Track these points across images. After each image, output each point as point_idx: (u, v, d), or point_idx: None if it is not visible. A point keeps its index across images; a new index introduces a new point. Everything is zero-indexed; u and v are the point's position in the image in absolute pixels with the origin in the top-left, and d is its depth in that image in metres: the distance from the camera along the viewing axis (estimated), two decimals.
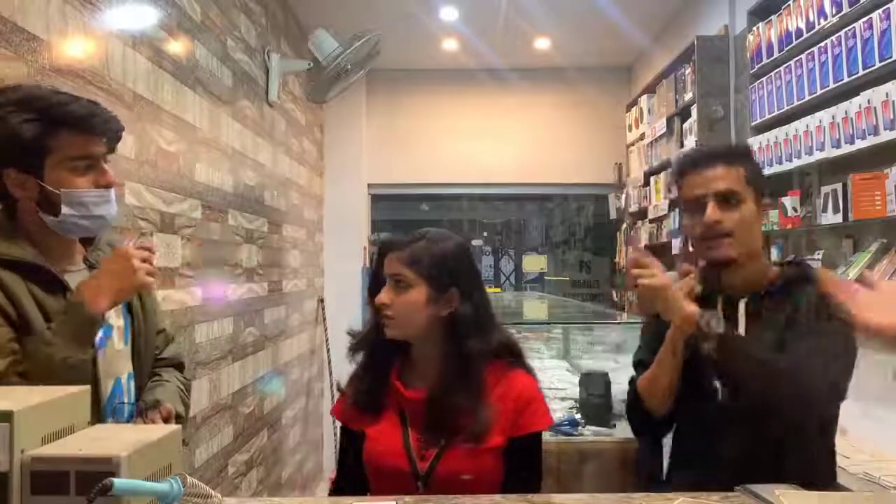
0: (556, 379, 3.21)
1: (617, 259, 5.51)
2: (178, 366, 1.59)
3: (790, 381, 1.38)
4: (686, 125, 3.85)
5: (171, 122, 2.41)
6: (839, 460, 1.60)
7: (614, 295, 5.61)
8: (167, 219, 2.37)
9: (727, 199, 1.50)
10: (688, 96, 3.81)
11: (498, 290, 10.72)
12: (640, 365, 1.64)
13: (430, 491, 1.38)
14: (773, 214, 2.84)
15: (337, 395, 1.61)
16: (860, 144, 2.34)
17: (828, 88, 2.55)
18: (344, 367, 1.61)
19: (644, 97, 4.71)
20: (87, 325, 1.26)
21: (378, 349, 1.52)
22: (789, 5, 2.83)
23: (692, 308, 1.44)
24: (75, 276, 1.35)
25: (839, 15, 2.47)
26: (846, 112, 2.41)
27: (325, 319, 4.99)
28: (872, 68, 2.29)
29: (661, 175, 4.33)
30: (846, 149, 2.42)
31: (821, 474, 1.50)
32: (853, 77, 2.40)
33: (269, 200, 3.67)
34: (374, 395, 1.50)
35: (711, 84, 3.55)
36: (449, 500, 1.25)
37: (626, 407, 1.66)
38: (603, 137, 5.38)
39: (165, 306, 2.24)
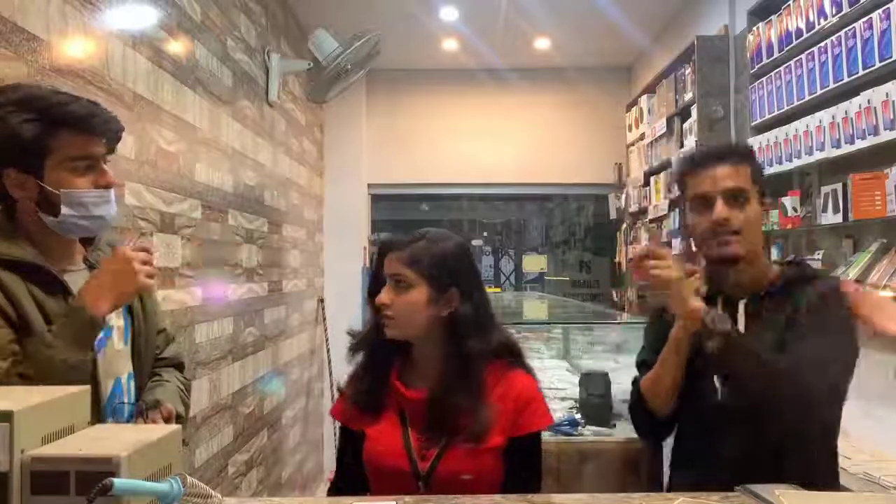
0: (556, 379, 3.22)
1: (617, 259, 5.50)
2: (179, 366, 1.59)
3: (791, 381, 1.38)
4: (686, 125, 3.85)
5: (171, 122, 2.41)
6: (840, 461, 1.59)
7: (614, 295, 5.61)
8: (167, 219, 2.36)
9: (735, 197, 1.50)
10: (688, 96, 3.81)
11: (498, 290, 10.72)
12: (643, 365, 1.64)
13: (430, 491, 1.38)
14: (773, 214, 2.84)
15: (337, 395, 1.61)
16: (860, 144, 2.34)
17: (828, 88, 2.55)
18: (344, 367, 1.61)
19: (644, 97, 4.71)
20: (88, 328, 1.26)
21: (378, 349, 1.52)
22: (789, 5, 2.83)
23: (699, 304, 1.44)
24: (75, 276, 1.35)
25: (839, 15, 2.47)
26: (846, 112, 2.41)
27: (325, 319, 4.99)
28: (872, 68, 2.29)
29: (661, 175, 4.33)
30: (846, 149, 2.42)
31: (822, 475, 1.49)
32: (853, 77, 2.40)
33: (269, 200, 3.67)
34: (375, 395, 1.50)
35: (711, 84, 3.55)
36: (449, 500, 1.25)
37: (629, 407, 1.66)
38: (603, 137, 5.38)
39: (165, 306, 2.24)
